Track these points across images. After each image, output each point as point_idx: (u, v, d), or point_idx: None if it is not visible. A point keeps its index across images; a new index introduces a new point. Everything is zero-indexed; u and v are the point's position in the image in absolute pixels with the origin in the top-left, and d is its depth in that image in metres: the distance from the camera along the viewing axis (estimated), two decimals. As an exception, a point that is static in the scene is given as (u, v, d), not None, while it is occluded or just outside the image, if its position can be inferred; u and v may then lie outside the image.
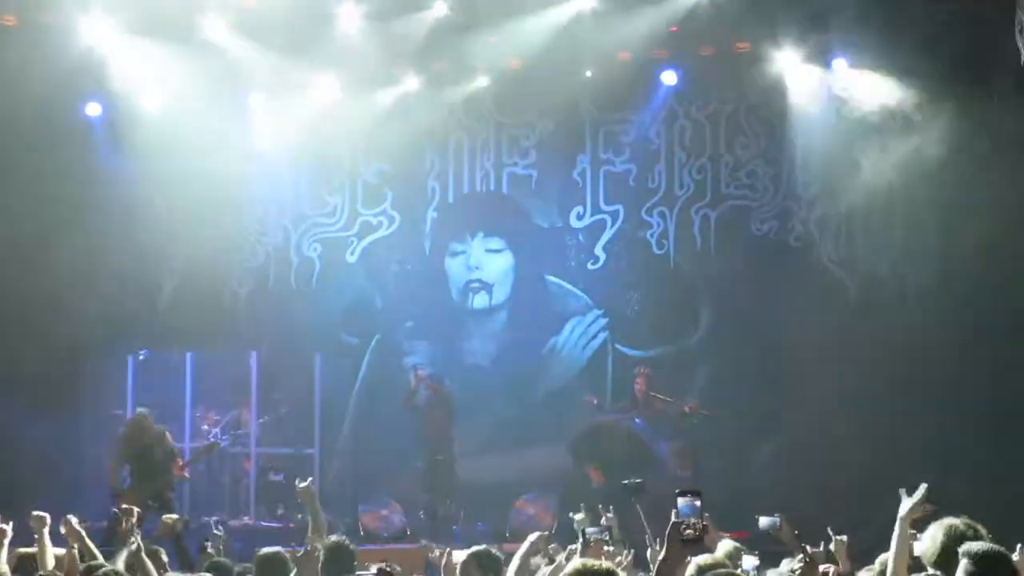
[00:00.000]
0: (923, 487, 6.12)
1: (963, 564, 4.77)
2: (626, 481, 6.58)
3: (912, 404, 14.19)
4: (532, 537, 7.34)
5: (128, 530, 7.77)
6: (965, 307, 14.29)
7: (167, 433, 12.82)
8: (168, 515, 10.69)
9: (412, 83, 15.43)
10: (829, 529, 7.25)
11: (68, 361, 14.93)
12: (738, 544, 7.78)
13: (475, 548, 7.31)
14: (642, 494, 7.56)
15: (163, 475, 12.74)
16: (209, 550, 9.24)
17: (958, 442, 13.81)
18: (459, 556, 7.73)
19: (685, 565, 5.70)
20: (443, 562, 7.70)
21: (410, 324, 16.10)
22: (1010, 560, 4.84)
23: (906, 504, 6.14)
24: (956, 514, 8.16)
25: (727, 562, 6.04)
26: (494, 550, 7.41)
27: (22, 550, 8.08)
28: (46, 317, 14.77)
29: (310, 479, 8.40)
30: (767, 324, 14.98)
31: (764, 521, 8.22)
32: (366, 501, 14.84)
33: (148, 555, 8.15)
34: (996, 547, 4.89)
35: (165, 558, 8.34)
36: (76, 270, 15.44)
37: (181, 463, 12.94)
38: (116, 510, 8.38)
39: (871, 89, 14.75)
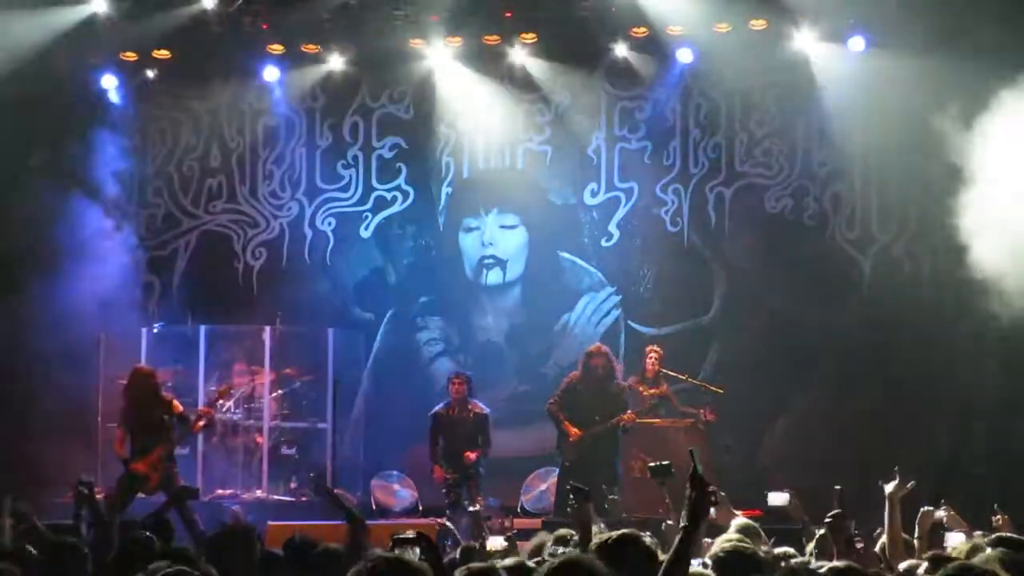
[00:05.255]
0: (896, 470, 6.87)
1: None
2: (653, 464, 6.55)
3: (925, 383, 14.18)
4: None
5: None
6: (980, 286, 14.25)
7: (175, 400, 12.78)
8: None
9: (427, 57, 15.46)
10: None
11: (83, 334, 14.99)
12: (751, 521, 7.81)
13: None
14: (668, 476, 7.54)
15: (167, 441, 12.70)
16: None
17: (971, 422, 13.82)
18: (493, 543, 7.82)
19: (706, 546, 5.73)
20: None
21: (424, 299, 16.12)
22: None
23: (889, 486, 6.81)
24: (964, 495, 8.28)
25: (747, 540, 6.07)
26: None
27: None
28: (59, 289, 14.84)
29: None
30: (780, 302, 14.97)
31: (774, 498, 8.27)
32: (378, 476, 14.91)
33: (159, 524, 8.26)
34: None
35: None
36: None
37: (196, 418, 12.78)
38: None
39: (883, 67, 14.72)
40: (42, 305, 14.48)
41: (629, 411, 13.22)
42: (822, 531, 6.90)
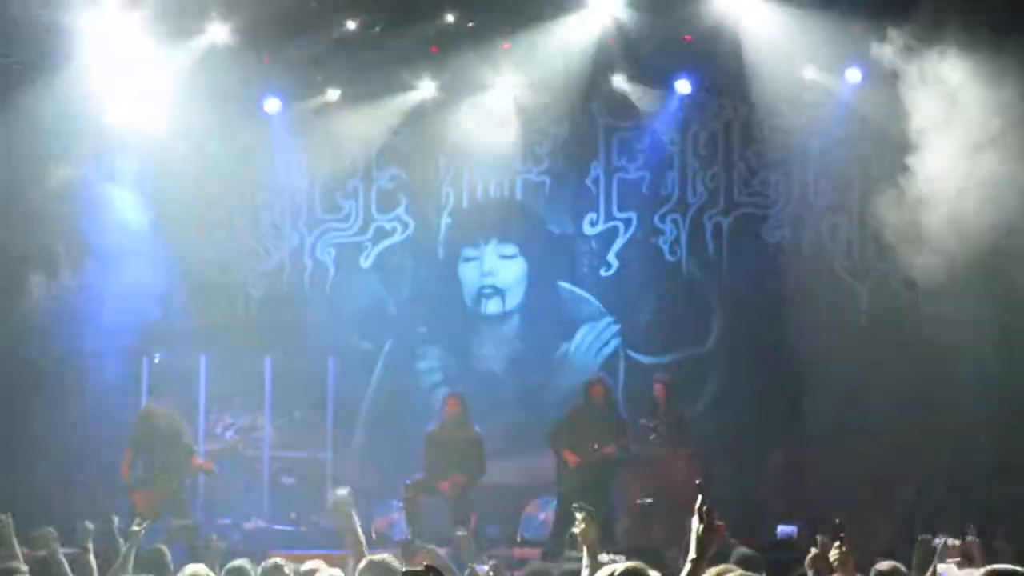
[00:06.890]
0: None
1: None
2: (639, 501, 6.64)
3: (925, 412, 14.21)
4: None
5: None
6: (979, 317, 14.31)
7: (186, 431, 12.88)
8: (179, 520, 10.80)
9: (426, 90, 15.55)
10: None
11: (83, 364, 15.01)
12: (750, 550, 7.86)
13: None
14: (652, 509, 7.61)
15: (177, 472, 12.77)
16: (216, 543, 9.36)
17: (971, 449, 13.84)
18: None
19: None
20: None
21: (423, 329, 16.17)
22: None
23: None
24: (967, 519, 8.26)
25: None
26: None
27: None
28: (62, 319, 14.87)
29: (348, 489, 8.43)
30: (779, 332, 15.01)
31: (783, 530, 8.30)
32: (378, 505, 14.92)
33: (151, 553, 8.30)
34: None
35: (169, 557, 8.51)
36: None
37: (200, 460, 12.94)
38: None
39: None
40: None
41: (613, 442, 13.33)
42: (815, 551, 6.89)
